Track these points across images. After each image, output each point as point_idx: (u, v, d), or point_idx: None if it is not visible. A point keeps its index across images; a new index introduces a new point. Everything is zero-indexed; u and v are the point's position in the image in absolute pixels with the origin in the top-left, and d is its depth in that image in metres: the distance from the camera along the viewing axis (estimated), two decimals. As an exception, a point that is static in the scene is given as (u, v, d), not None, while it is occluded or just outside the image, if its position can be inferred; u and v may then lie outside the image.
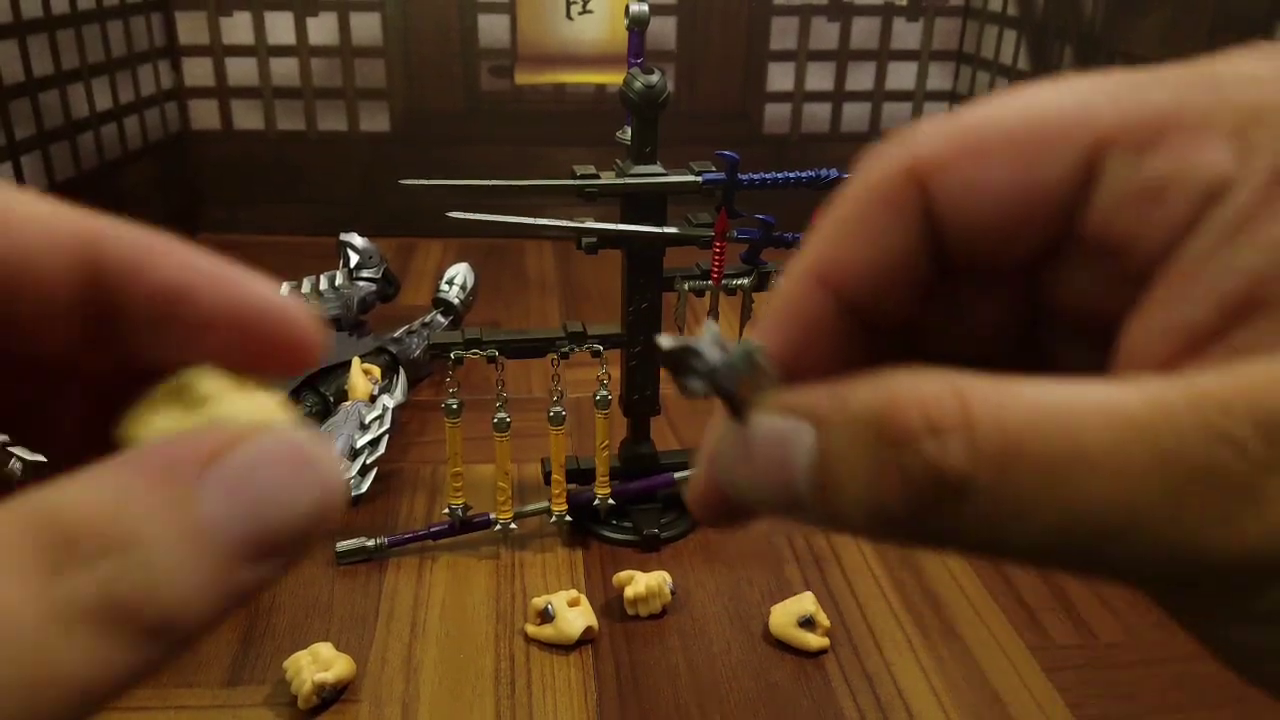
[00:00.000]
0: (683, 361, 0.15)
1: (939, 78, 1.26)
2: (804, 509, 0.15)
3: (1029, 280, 0.17)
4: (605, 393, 0.64)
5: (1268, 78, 0.14)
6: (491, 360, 0.61)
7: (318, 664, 0.52)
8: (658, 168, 0.62)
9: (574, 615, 0.57)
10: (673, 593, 0.60)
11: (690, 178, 0.61)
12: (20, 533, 0.11)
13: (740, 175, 0.60)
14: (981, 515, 0.13)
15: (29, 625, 0.11)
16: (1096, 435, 0.13)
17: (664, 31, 1.20)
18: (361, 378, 0.76)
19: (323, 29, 1.16)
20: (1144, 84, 0.14)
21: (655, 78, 0.59)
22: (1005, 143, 0.15)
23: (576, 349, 0.63)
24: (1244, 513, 0.12)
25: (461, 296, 0.91)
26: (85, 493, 0.12)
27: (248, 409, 0.14)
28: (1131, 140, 0.14)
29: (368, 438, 0.70)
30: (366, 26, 1.17)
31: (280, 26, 1.16)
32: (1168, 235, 0.14)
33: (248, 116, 1.19)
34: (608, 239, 0.62)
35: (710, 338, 0.15)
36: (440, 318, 0.89)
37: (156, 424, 0.14)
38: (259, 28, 1.15)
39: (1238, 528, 0.12)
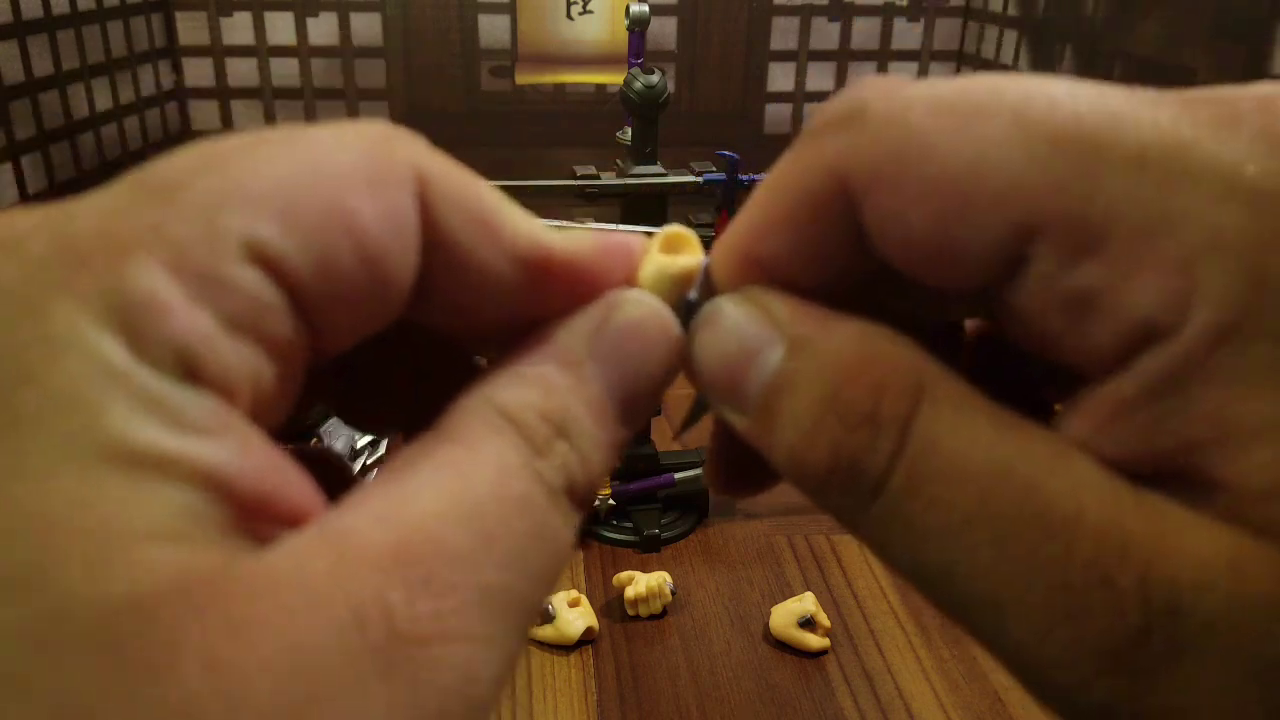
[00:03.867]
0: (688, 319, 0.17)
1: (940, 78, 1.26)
2: (743, 417, 0.15)
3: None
4: (605, 393, 0.64)
5: (1246, 184, 0.12)
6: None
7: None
8: (658, 168, 0.62)
9: (574, 615, 0.57)
10: (673, 593, 0.60)
11: (690, 178, 0.61)
12: (496, 428, 0.13)
13: (741, 175, 0.60)
14: (880, 517, 0.13)
15: (540, 504, 0.13)
16: (994, 502, 0.12)
17: (664, 32, 1.19)
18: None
19: (323, 29, 1.16)
20: (1100, 163, 0.13)
21: (655, 78, 0.59)
22: (929, 190, 0.14)
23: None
24: (1118, 677, 0.12)
25: (462, 297, 0.91)
26: (520, 389, 0.14)
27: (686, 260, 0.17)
28: (1064, 238, 0.13)
29: (368, 438, 0.70)
30: (366, 27, 1.17)
31: (280, 27, 1.16)
32: (1096, 358, 0.13)
33: (248, 117, 1.19)
34: (608, 239, 0.62)
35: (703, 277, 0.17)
36: (440, 318, 0.89)
37: (654, 275, 0.17)
38: (259, 28, 1.15)
39: (1110, 677, 0.12)
